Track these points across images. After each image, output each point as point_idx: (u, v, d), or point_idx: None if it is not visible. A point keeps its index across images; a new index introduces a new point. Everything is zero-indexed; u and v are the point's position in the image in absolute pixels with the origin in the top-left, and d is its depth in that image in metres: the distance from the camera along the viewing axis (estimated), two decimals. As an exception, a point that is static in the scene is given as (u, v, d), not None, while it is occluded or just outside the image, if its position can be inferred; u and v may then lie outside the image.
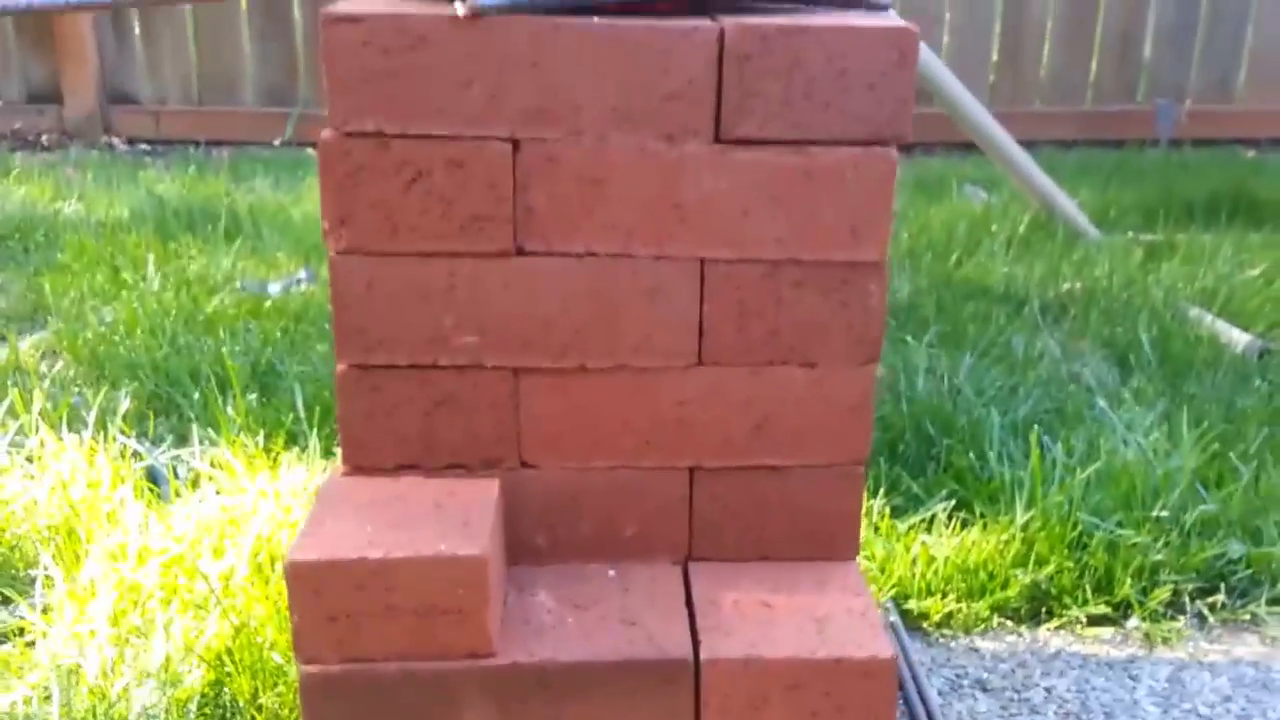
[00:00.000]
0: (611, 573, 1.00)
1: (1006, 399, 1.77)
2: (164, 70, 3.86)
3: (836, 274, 0.96)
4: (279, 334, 2.02)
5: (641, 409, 0.99)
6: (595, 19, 0.92)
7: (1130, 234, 2.66)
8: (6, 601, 1.33)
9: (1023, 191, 2.69)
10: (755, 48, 0.92)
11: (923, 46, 2.55)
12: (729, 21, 0.94)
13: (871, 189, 0.95)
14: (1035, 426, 1.64)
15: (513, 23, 0.92)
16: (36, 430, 1.61)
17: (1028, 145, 3.95)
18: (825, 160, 0.94)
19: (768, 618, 0.95)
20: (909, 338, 2.03)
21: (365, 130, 0.92)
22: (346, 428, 0.99)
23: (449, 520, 0.92)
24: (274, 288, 2.31)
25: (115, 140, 3.85)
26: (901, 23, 0.94)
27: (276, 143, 3.84)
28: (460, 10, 0.91)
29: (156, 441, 1.69)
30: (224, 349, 1.91)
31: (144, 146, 3.86)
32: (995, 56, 4.04)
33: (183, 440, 1.70)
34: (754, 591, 0.97)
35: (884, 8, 1.10)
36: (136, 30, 3.83)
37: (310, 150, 3.87)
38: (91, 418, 1.63)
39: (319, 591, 0.88)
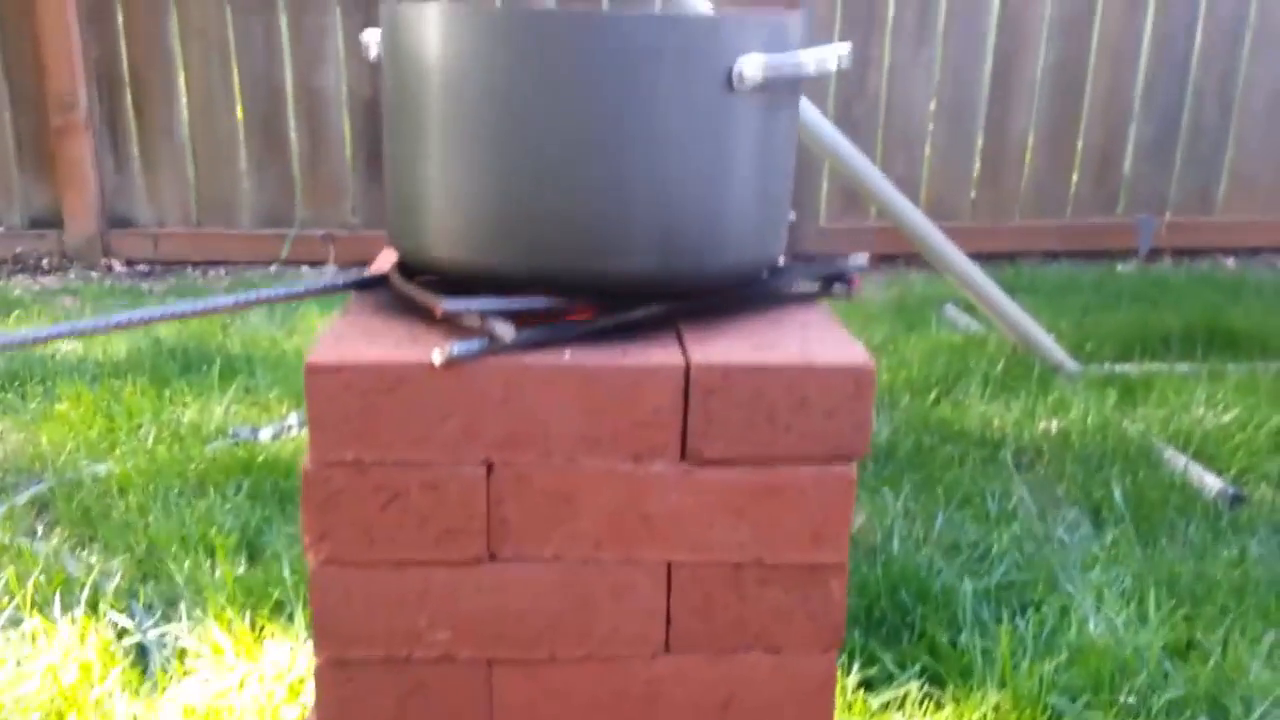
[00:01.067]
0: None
1: (980, 561, 1.80)
2: (163, 194, 3.95)
3: (799, 573, 1.03)
4: (269, 489, 2.06)
5: (611, 691, 1.05)
6: (566, 353, 1.00)
7: (1107, 365, 2.71)
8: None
9: (999, 326, 2.75)
10: (719, 383, 1.00)
11: (881, 178, 2.63)
12: (695, 357, 1.01)
13: (831, 501, 1.01)
14: (1008, 597, 1.68)
15: (486, 364, 0.99)
16: (31, 608, 1.65)
17: (1009, 258, 4.05)
18: (787, 477, 1.01)
19: None
20: (886, 488, 2.07)
21: (345, 460, 0.98)
22: (323, 713, 1.04)
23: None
24: (265, 433, 2.35)
25: (114, 263, 3.93)
26: (860, 356, 1.01)
27: (273, 269, 3.92)
28: (437, 359, 0.97)
29: (148, 607, 1.72)
30: (214, 510, 1.95)
31: (142, 268, 3.94)
32: (977, 171, 4.14)
33: (172, 605, 1.74)
34: None
35: (849, 295, 1.17)
36: (136, 156, 3.93)
37: (305, 269, 3.95)
38: (84, 594, 1.67)
39: None
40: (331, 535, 1.00)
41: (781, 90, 1.07)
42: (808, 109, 2.54)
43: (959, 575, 1.73)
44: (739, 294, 1.16)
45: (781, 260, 1.24)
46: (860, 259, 1.24)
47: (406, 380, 0.98)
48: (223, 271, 3.93)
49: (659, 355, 1.01)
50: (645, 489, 1.01)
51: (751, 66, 1.02)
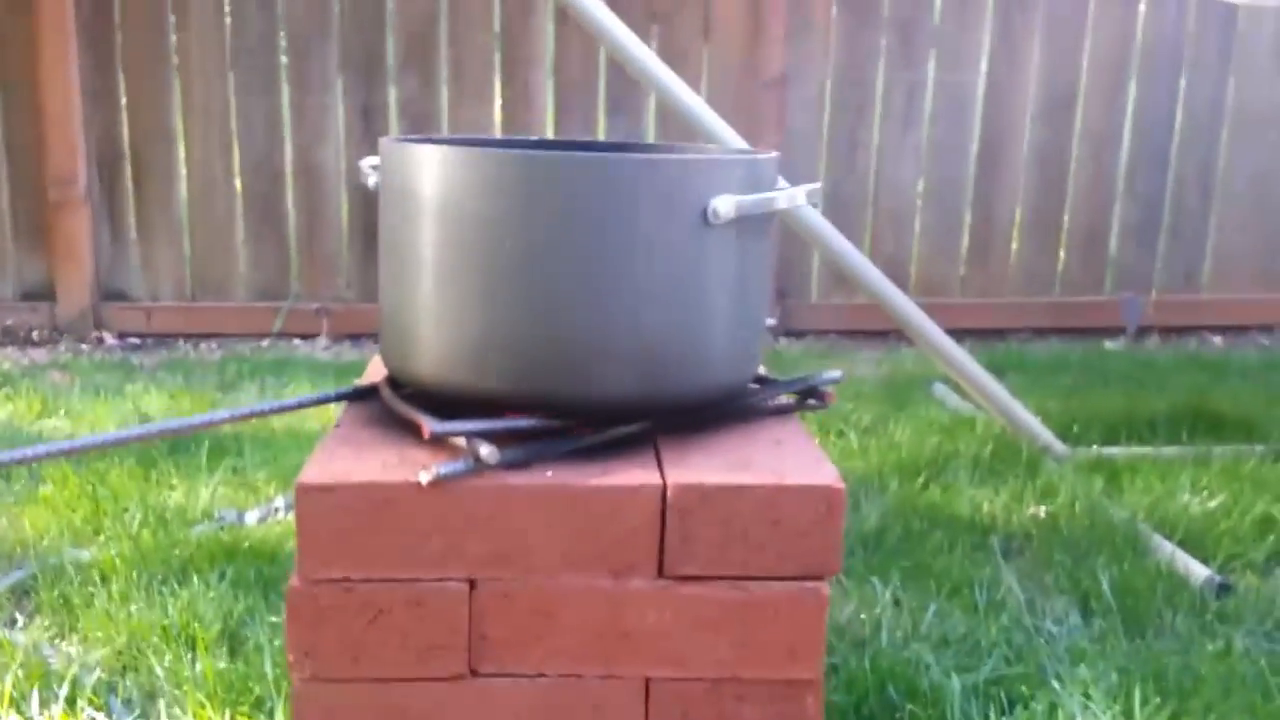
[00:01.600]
0: None
1: (969, 655, 1.79)
2: (157, 268, 3.98)
3: (776, 690, 1.05)
4: (253, 576, 2.05)
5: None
6: (548, 473, 1.02)
7: (1094, 448, 2.72)
8: None
9: (987, 408, 2.76)
10: (696, 503, 1.03)
11: (863, 260, 2.66)
12: (671, 477, 1.04)
13: (805, 618, 1.04)
14: (997, 693, 1.67)
15: (471, 484, 1.03)
16: (8, 704, 1.63)
17: (999, 334, 4.09)
18: (761, 594, 1.03)
19: None
20: (874, 577, 2.06)
21: (332, 578, 1.00)
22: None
23: None
24: (251, 517, 2.35)
25: (106, 335, 3.94)
26: (831, 476, 1.04)
27: (265, 342, 3.93)
28: (424, 479, 1.00)
29: (126, 702, 1.71)
30: (197, 599, 1.94)
31: (134, 341, 3.95)
32: (966, 249, 4.19)
33: (151, 699, 1.72)
34: None
35: (824, 407, 1.20)
36: (132, 230, 3.97)
37: (298, 341, 3.97)
38: (63, 688, 1.65)
39: None
40: (317, 652, 1.00)
41: (754, 224, 1.12)
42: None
43: (948, 670, 1.72)
44: (715, 411, 1.19)
45: (760, 368, 1.26)
46: (834, 374, 1.27)
47: (395, 500, 1.00)
48: (215, 345, 3.94)
49: (637, 475, 1.03)
50: (624, 605, 1.02)
51: (725, 205, 1.08)
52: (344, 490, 1.01)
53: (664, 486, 1.02)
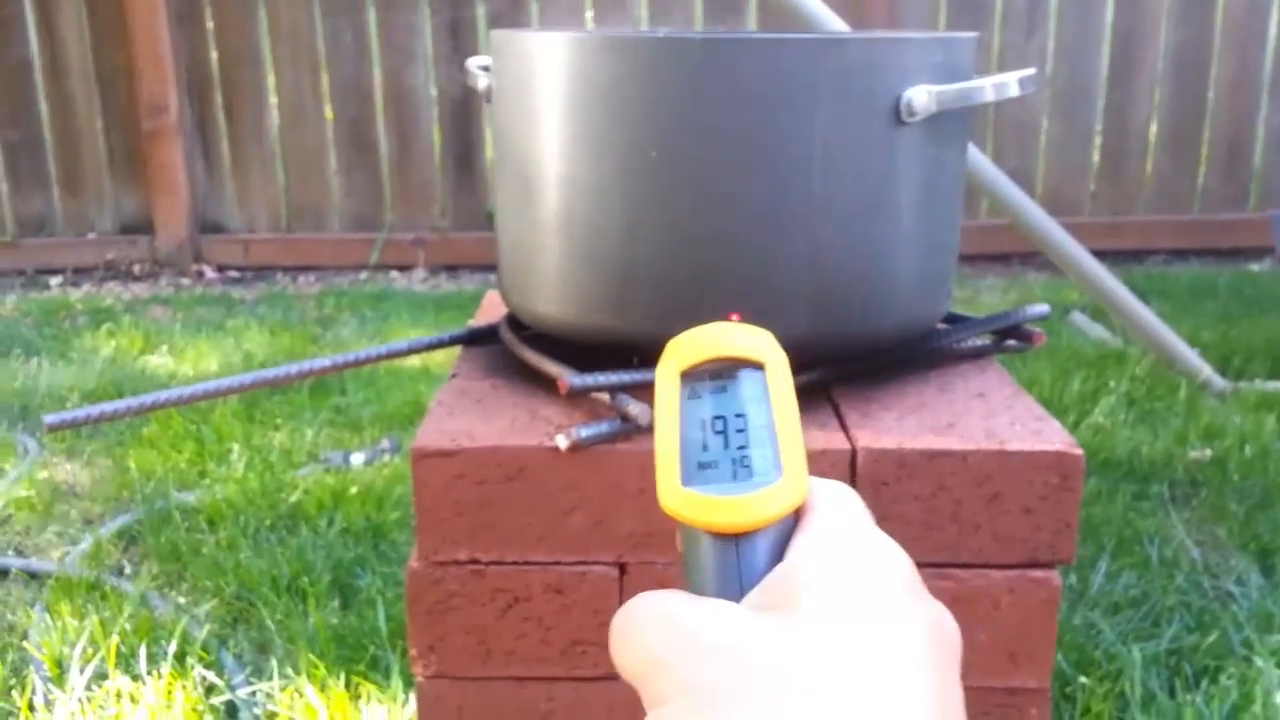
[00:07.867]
0: None
1: (1145, 620, 1.62)
2: (253, 200, 3.90)
3: (993, 699, 0.87)
4: (362, 523, 1.95)
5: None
6: None
7: (1258, 383, 2.48)
8: None
9: (1135, 337, 2.53)
10: (893, 472, 0.83)
11: (997, 173, 2.43)
12: (861, 440, 0.85)
13: (1031, 614, 0.85)
14: (1180, 665, 1.49)
15: (618, 449, 0.84)
16: (116, 660, 1.56)
17: (1134, 256, 3.80)
18: (975, 584, 0.85)
19: None
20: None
21: (458, 559, 0.84)
22: None
23: None
24: (357, 458, 2.25)
25: (205, 269, 3.89)
26: (1064, 439, 0.85)
27: (363, 275, 3.84)
28: (562, 444, 0.83)
29: (238, 657, 1.63)
30: (305, 547, 1.85)
31: (233, 274, 3.89)
32: (1096, 163, 3.89)
33: (263, 653, 1.64)
34: None
35: (1028, 349, 1.01)
36: (226, 160, 3.88)
37: (394, 273, 3.87)
38: (172, 644, 1.57)
39: None
40: (442, 646, 0.86)
41: (951, 121, 0.91)
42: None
43: (1123, 639, 1.55)
44: (901, 354, 1.01)
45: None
46: (1041, 309, 1.06)
47: (528, 469, 0.84)
48: (312, 277, 3.86)
49: (818, 437, 0.85)
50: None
51: (921, 97, 0.86)
52: (467, 455, 0.85)
53: (853, 451, 0.85)
